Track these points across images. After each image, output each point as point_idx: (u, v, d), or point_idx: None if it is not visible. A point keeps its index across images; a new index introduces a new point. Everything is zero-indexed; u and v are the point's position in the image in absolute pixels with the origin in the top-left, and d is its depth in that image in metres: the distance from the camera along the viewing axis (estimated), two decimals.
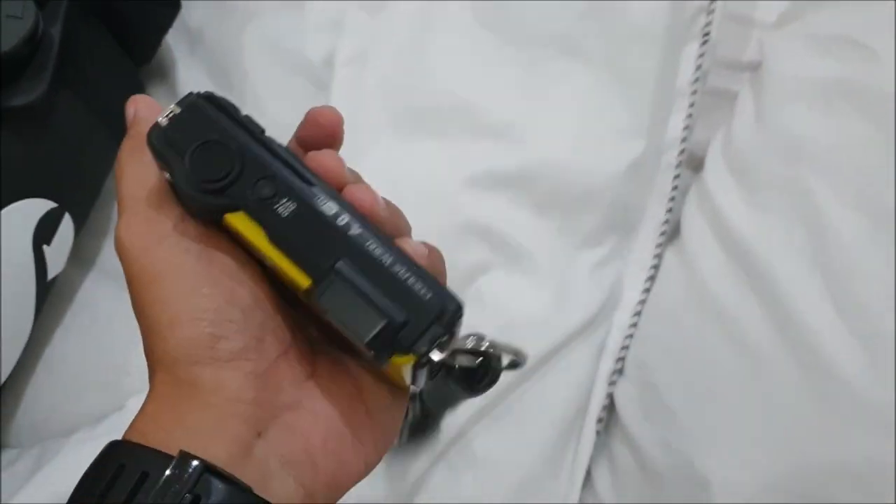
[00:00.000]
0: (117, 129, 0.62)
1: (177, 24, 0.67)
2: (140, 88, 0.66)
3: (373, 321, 0.28)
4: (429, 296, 0.29)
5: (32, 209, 0.53)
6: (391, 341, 0.28)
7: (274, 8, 0.68)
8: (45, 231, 0.55)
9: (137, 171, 0.32)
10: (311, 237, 0.29)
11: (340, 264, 0.29)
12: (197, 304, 0.30)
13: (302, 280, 0.29)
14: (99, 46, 0.61)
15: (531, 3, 0.65)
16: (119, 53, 0.63)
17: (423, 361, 0.29)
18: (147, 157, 0.31)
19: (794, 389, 0.53)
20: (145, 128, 0.31)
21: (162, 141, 0.30)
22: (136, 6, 0.62)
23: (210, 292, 0.30)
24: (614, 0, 0.65)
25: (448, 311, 0.29)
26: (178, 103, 0.31)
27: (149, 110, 0.33)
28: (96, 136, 0.60)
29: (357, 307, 0.28)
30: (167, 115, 0.30)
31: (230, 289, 0.30)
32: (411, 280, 0.29)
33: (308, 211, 0.29)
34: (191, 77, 0.68)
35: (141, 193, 0.31)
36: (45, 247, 0.55)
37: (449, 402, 0.34)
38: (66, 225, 0.57)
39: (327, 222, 0.29)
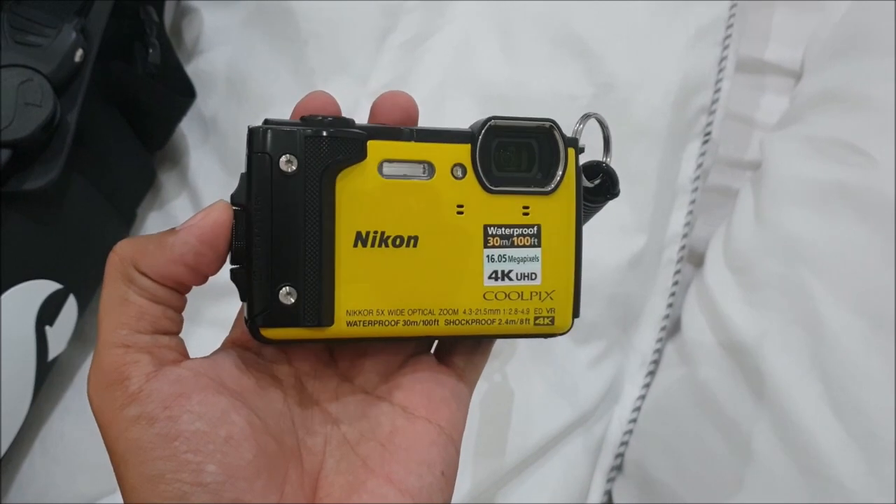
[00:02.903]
0: (127, 212, 0.64)
1: (191, 111, 0.69)
2: (152, 174, 0.68)
3: (543, 121, 0.35)
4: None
5: (37, 290, 0.54)
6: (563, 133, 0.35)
7: (287, 97, 0.68)
8: (48, 312, 0.55)
9: (117, 308, 0.31)
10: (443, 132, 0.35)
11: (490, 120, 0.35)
12: (162, 492, 0.29)
13: (462, 150, 0.34)
14: (113, 132, 0.62)
15: (536, 99, 0.67)
16: (133, 139, 0.64)
17: (580, 147, 0.36)
18: (127, 292, 0.31)
19: (793, 493, 0.52)
20: (127, 263, 0.31)
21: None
22: (153, 95, 0.64)
23: (174, 476, 0.29)
24: (617, 96, 0.66)
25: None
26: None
27: (131, 246, 0.32)
28: (106, 220, 0.61)
29: (521, 119, 0.35)
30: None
31: (196, 467, 0.29)
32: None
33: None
34: (203, 164, 0.69)
35: (114, 338, 0.31)
36: (47, 328, 0.55)
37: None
38: (70, 306, 0.57)
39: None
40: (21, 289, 0.53)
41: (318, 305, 0.32)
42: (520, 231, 0.35)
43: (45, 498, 0.60)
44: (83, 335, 0.63)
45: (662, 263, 0.65)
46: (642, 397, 0.63)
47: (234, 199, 0.32)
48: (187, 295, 0.33)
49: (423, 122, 0.37)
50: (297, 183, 0.32)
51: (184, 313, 0.34)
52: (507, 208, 0.35)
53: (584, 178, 0.37)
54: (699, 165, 0.66)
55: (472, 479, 0.58)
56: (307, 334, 0.32)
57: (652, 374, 0.63)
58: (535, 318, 0.35)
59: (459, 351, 0.37)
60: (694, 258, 0.67)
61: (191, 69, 0.70)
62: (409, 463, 0.33)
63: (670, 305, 0.65)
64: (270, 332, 0.32)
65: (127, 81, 0.62)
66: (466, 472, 0.58)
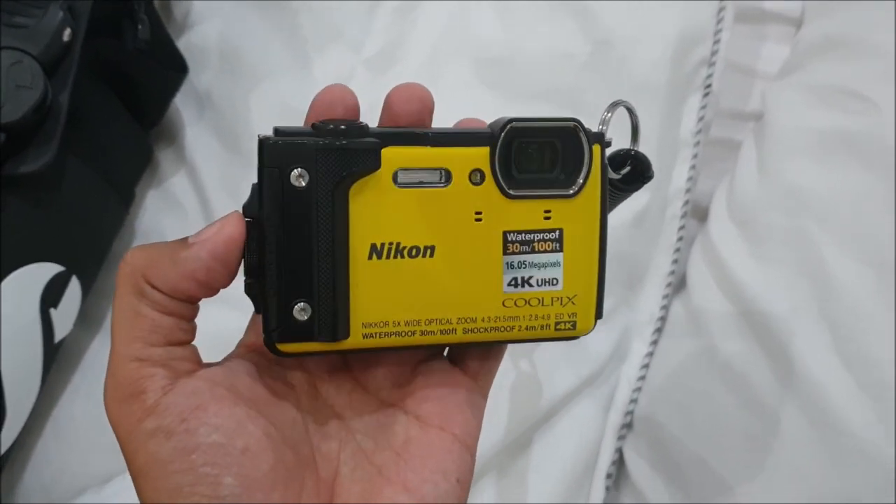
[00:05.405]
0: (125, 192, 0.64)
1: (185, 87, 0.68)
2: (149, 151, 0.67)
3: (567, 121, 0.34)
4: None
5: (39, 273, 0.54)
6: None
7: (283, 69, 0.69)
8: (52, 294, 0.55)
9: (130, 321, 0.31)
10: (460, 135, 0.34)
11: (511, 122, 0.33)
12: None
13: (480, 154, 0.33)
14: (107, 111, 0.62)
15: (533, 60, 0.66)
16: (127, 117, 0.64)
17: (607, 141, 0.35)
18: (139, 305, 0.31)
19: (803, 444, 0.52)
20: (138, 275, 0.31)
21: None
22: (144, 71, 0.63)
23: (192, 490, 0.29)
24: (615, 53, 0.65)
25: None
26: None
27: (142, 257, 0.32)
28: (104, 200, 0.60)
29: (542, 120, 0.34)
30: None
31: (214, 480, 0.29)
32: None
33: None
34: (199, 139, 0.68)
35: (129, 351, 0.31)
36: (52, 310, 0.55)
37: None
38: (74, 288, 0.57)
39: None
40: (23, 272, 0.53)
41: (332, 320, 0.32)
42: (541, 236, 0.33)
43: (61, 479, 0.60)
44: (88, 316, 0.63)
45: (666, 219, 0.65)
46: (650, 354, 0.63)
47: (247, 210, 0.32)
48: None
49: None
50: (309, 198, 0.31)
51: None
52: (527, 213, 0.33)
53: (610, 169, 0.36)
54: (700, 119, 0.65)
55: (480, 446, 0.58)
56: (323, 347, 0.32)
57: (659, 331, 0.63)
58: (557, 324, 0.34)
59: (473, 352, 0.37)
60: (698, 213, 0.67)
61: (182, 44, 0.69)
62: (424, 471, 0.33)
63: (675, 262, 0.64)
64: (286, 347, 0.32)
65: (117, 59, 0.61)
66: None
